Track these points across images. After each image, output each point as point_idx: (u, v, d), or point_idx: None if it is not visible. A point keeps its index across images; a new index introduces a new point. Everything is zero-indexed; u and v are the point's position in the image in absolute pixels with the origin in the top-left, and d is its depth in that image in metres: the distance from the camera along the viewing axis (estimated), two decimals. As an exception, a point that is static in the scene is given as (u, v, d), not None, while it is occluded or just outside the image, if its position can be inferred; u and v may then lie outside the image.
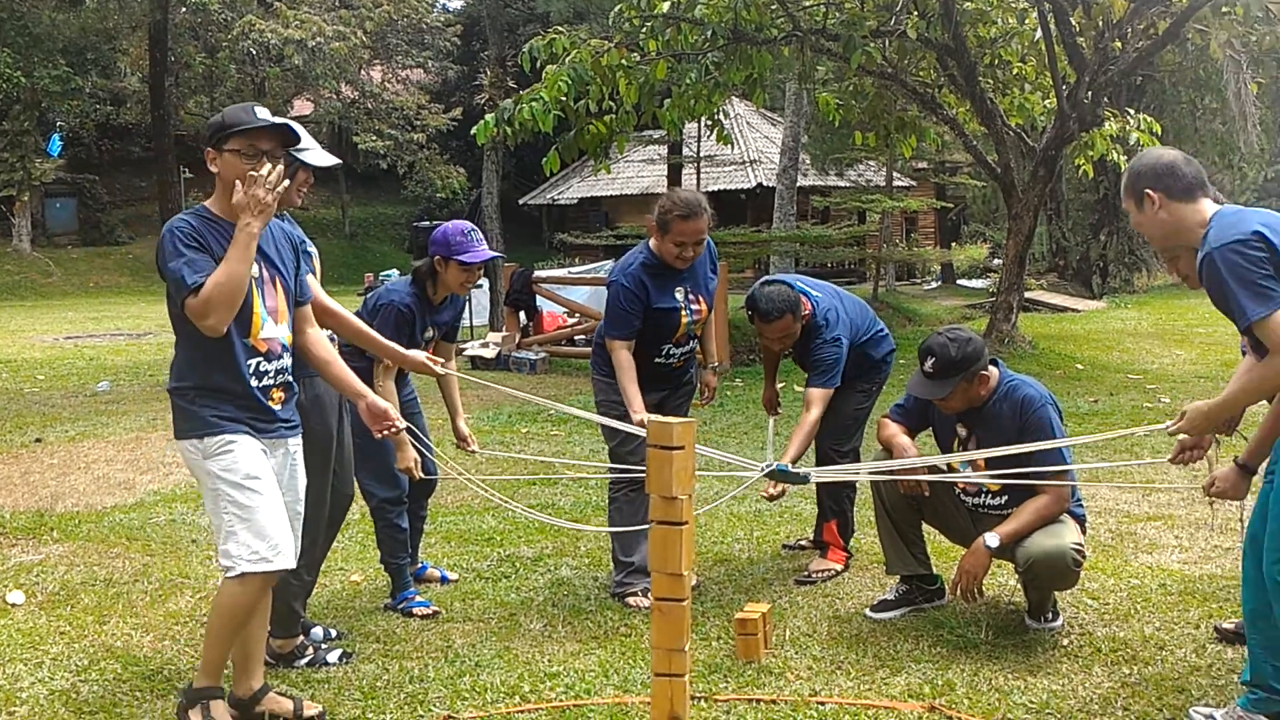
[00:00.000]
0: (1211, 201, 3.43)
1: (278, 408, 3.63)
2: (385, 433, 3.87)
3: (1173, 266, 3.72)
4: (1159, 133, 14.03)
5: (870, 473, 4.66)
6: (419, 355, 4.38)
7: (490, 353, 15.21)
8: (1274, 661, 3.23)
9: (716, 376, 5.36)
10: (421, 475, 4.73)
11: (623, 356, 4.90)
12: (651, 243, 4.95)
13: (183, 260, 3.38)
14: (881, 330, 5.45)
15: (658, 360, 5.02)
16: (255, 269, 3.53)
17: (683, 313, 4.97)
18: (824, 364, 5.07)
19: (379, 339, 4.29)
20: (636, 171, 29.98)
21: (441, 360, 4.55)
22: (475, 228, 4.89)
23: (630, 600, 4.89)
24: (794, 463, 4.79)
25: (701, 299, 5.05)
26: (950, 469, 4.51)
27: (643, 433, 4.55)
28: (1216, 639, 4.28)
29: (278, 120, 3.59)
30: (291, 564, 3.60)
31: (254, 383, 3.55)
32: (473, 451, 4.85)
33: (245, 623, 3.61)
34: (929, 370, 4.38)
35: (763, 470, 3.86)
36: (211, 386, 3.51)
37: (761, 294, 5.08)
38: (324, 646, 4.38)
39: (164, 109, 14.16)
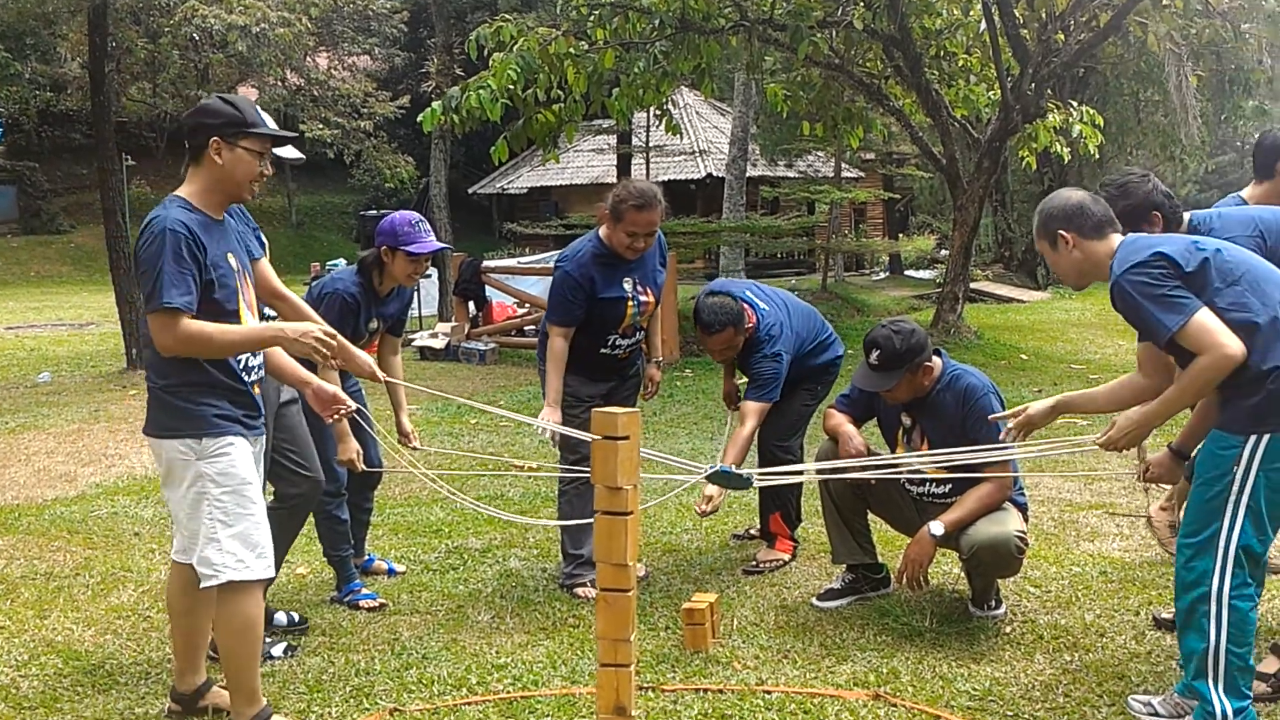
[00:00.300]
0: (1118, 235, 3.55)
1: (259, 402, 3.60)
2: (335, 417, 3.82)
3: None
4: (1101, 125, 14.23)
5: (815, 473, 4.69)
6: (367, 360, 4.33)
7: (439, 343, 15.12)
8: (1235, 648, 3.29)
9: (660, 371, 5.34)
10: (364, 468, 4.70)
11: (557, 344, 4.87)
12: (603, 231, 4.92)
13: (173, 270, 3.27)
14: (830, 337, 5.46)
15: (603, 351, 5.00)
16: (235, 263, 3.50)
17: (629, 303, 4.95)
18: (762, 378, 5.08)
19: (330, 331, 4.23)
20: (586, 161, 29.88)
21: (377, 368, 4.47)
22: (423, 218, 4.85)
23: (579, 591, 4.89)
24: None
25: (649, 290, 5.04)
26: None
27: (545, 431, 4.58)
28: (1155, 627, 4.35)
29: (290, 134, 3.68)
30: (274, 572, 3.55)
31: (245, 377, 3.52)
32: (414, 448, 4.81)
33: (261, 634, 3.50)
34: (874, 362, 4.41)
35: (706, 472, 3.86)
36: (209, 382, 3.41)
37: (705, 305, 5.10)
38: (268, 640, 4.34)
39: (105, 95, 13.88)
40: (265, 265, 3.88)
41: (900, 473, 4.47)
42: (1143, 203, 3.86)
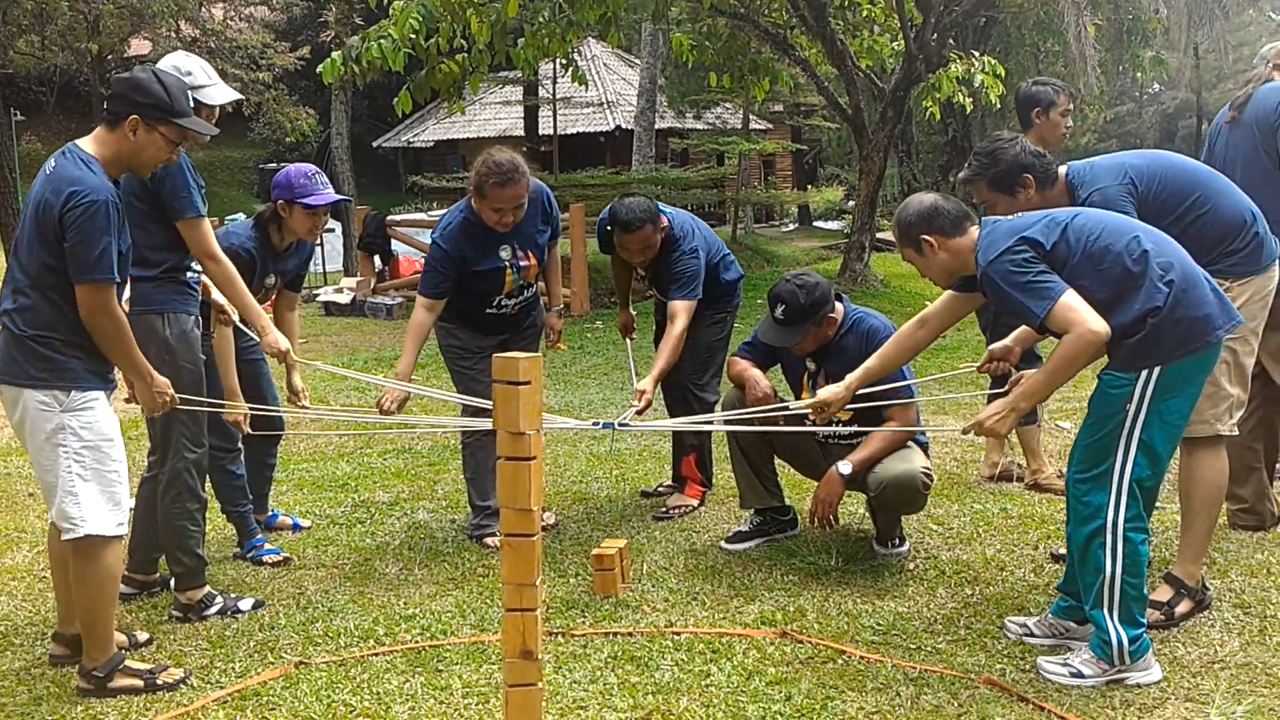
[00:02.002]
0: (975, 226, 3.62)
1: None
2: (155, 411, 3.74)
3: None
4: (1003, 75, 14.38)
5: (703, 422, 4.74)
6: (282, 341, 4.32)
7: (345, 298, 14.91)
8: (1130, 578, 3.39)
9: (561, 319, 5.29)
10: (250, 431, 4.63)
11: (419, 315, 4.79)
12: (473, 202, 4.79)
13: (111, 245, 3.34)
14: (729, 256, 5.49)
15: (489, 311, 4.93)
16: None
17: (508, 270, 4.85)
18: (684, 275, 5.08)
19: (252, 301, 4.22)
20: (494, 114, 29.47)
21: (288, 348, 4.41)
22: (319, 170, 4.74)
23: (488, 541, 4.86)
24: (661, 375, 4.88)
25: (531, 254, 4.91)
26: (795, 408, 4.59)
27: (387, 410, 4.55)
28: (1053, 560, 4.46)
29: (212, 130, 3.77)
30: (125, 530, 3.55)
31: None
32: (304, 407, 4.71)
33: (117, 585, 3.55)
34: (779, 317, 4.44)
35: (600, 427, 3.84)
36: (80, 341, 3.41)
37: (622, 205, 5.08)
38: (233, 595, 4.26)
39: (-12, 48, 13.51)
40: (197, 224, 3.95)
41: (808, 422, 4.50)
42: (1012, 166, 3.91)
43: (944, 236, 3.61)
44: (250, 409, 4.45)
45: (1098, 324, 3.27)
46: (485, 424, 2.76)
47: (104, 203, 3.33)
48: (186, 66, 4.11)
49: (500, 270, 4.84)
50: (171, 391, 3.66)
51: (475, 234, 4.79)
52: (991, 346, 4.21)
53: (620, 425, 3.91)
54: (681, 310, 5.03)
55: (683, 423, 5.04)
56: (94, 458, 3.41)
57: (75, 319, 3.38)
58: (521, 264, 4.89)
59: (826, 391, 4.06)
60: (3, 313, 3.46)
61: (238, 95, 4.31)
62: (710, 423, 4.95)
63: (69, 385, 3.38)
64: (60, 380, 3.37)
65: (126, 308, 3.69)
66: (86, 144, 3.48)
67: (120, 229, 3.41)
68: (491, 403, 2.54)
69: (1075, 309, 3.29)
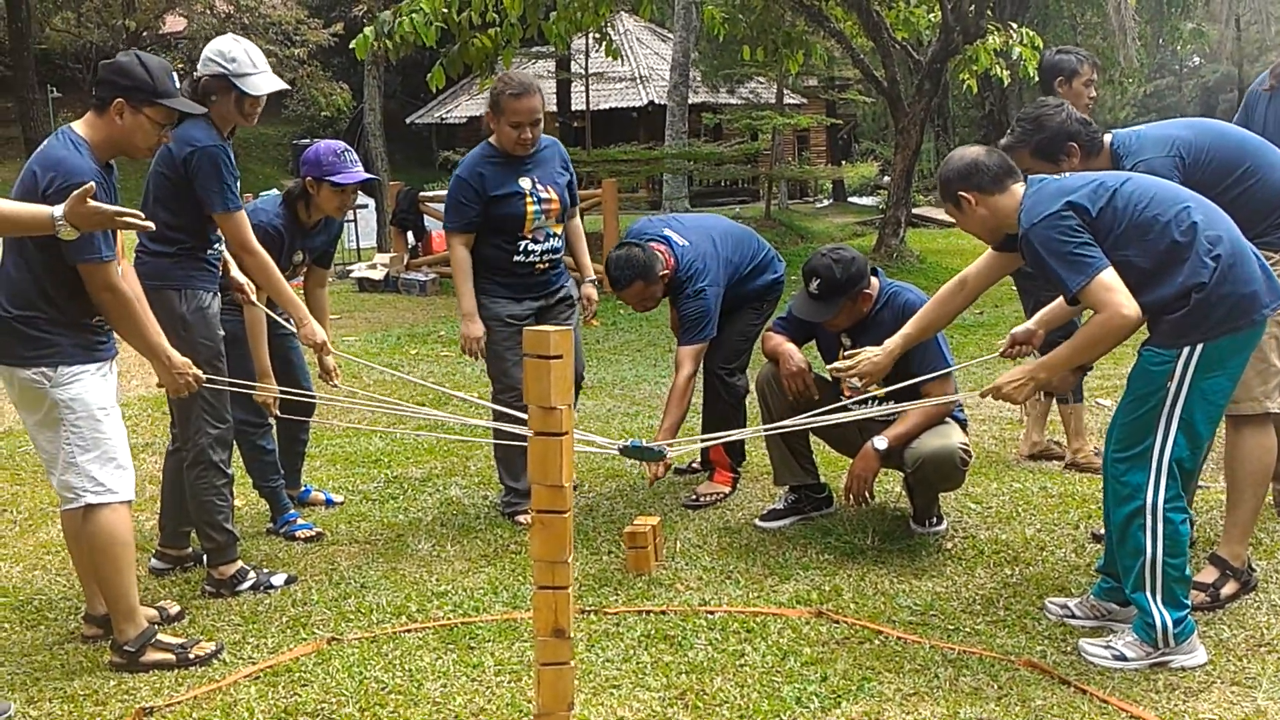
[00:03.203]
0: (1019, 184, 3.53)
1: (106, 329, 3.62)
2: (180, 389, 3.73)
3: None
4: (1041, 47, 14.16)
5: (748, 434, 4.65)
6: (319, 333, 4.39)
7: (378, 274, 14.92)
8: (1171, 559, 3.32)
9: (596, 290, 5.23)
10: (279, 414, 4.66)
11: (458, 253, 4.85)
12: (492, 138, 4.87)
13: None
14: (768, 257, 5.32)
15: (517, 259, 4.85)
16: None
17: (528, 199, 4.81)
18: (689, 319, 4.98)
19: (290, 293, 4.29)
20: (526, 89, 29.40)
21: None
22: (349, 147, 4.71)
23: (520, 519, 4.83)
24: (672, 430, 4.80)
25: (551, 189, 4.90)
26: (839, 385, 4.52)
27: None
28: (1094, 540, 4.38)
29: (198, 108, 3.75)
30: (133, 495, 3.54)
31: (99, 322, 3.55)
32: (335, 385, 4.68)
33: (131, 552, 3.54)
34: (814, 292, 4.38)
35: (619, 447, 3.69)
36: (64, 320, 3.44)
37: (612, 258, 5.00)
38: (265, 570, 4.25)
39: (22, 24, 13.33)
40: (228, 218, 3.97)
41: (845, 396, 4.43)
42: (1058, 133, 3.81)
43: (982, 193, 3.52)
44: (281, 393, 4.43)
45: (1130, 308, 3.21)
46: (520, 430, 2.72)
47: (86, 183, 3.29)
48: (232, 53, 4.00)
49: (520, 197, 4.80)
50: (195, 371, 3.67)
51: (495, 164, 4.84)
52: (1014, 330, 4.10)
53: (635, 445, 3.73)
54: (686, 358, 4.93)
55: (714, 439, 4.94)
56: (89, 428, 3.43)
57: (58, 296, 3.40)
58: (542, 195, 4.86)
59: (866, 359, 4.05)
60: None
61: (284, 85, 4.21)
62: (741, 430, 4.89)
63: (56, 361, 3.40)
64: (47, 357, 3.40)
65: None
66: (79, 127, 3.50)
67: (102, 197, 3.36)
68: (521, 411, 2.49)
69: (1112, 289, 3.22)
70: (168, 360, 3.61)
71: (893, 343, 4.02)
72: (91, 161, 3.39)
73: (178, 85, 3.60)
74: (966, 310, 4.39)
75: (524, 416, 2.58)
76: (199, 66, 4.05)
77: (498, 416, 4.32)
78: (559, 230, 4.99)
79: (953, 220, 3.80)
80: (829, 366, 4.33)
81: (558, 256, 5.02)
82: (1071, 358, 3.44)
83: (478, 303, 4.87)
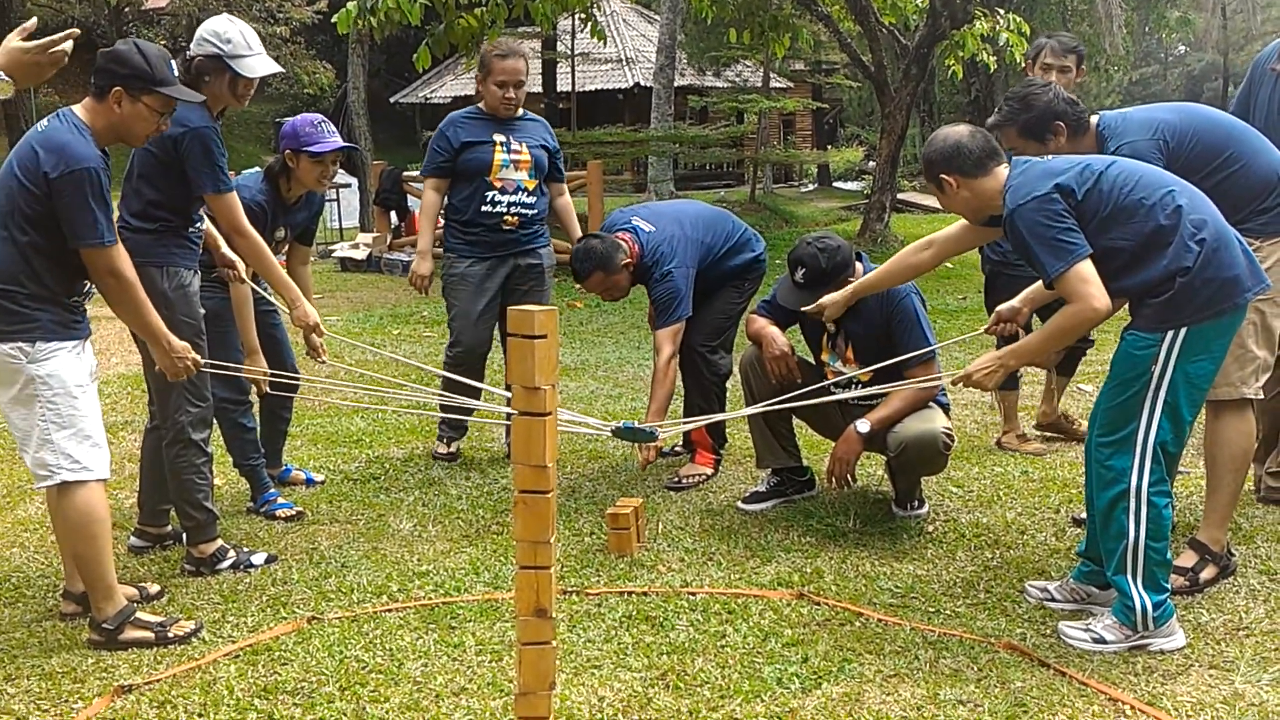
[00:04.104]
0: (1003, 166, 3.53)
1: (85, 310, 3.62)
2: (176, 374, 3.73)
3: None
4: (1028, 33, 14.16)
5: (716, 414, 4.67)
6: (313, 315, 4.38)
7: (361, 254, 14.86)
8: (1154, 543, 3.33)
9: None
10: (268, 390, 4.67)
11: (428, 195, 5.33)
12: (481, 103, 5.28)
13: (100, 208, 3.37)
14: (744, 236, 5.27)
15: (485, 209, 5.16)
16: None
17: (497, 148, 5.16)
18: (661, 303, 4.96)
19: (283, 274, 4.32)
20: (511, 70, 29.26)
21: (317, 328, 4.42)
22: (325, 119, 4.70)
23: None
24: (659, 413, 4.81)
25: (525, 147, 5.22)
26: (822, 368, 4.52)
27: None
28: (1074, 525, 4.40)
29: (197, 96, 3.69)
30: (108, 473, 3.53)
31: (82, 288, 3.55)
32: (322, 362, 4.65)
33: (108, 530, 3.52)
34: (799, 280, 4.39)
35: (611, 428, 3.68)
36: (45, 295, 3.42)
37: (575, 250, 4.99)
38: (245, 549, 4.23)
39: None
40: (218, 199, 3.96)
41: (831, 390, 4.43)
42: (1044, 112, 3.81)
43: (965, 176, 3.51)
44: (269, 375, 4.43)
45: (1101, 302, 3.23)
46: (497, 407, 2.81)
47: (94, 170, 3.35)
48: (227, 34, 3.95)
49: (488, 145, 5.18)
50: (194, 355, 3.67)
51: (475, 119, 5.27)
52: (999, 308, 4.13)
53: (627, 426, 3.73)
54: (664, 340, 4.91)
55: (691, 421, 4.93)
56: (65, 404, 3.42)
57: (40, 271, 3.38)
58: (513, 147, 5.20)
59: (828, 299, 4.29)
60: None
61: (278, 68, 4.18)
62: (724, 413, 4.94)
63: (34, 337, 3.38)
64: (25, 332, 3.38)
65: None
66: (80, 111, 3.48)
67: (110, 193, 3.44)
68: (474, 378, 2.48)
69: (1087, 280, 3.23)
70: (167, 344, 3.60)
71: (853, 286, 4.25)
72: (94, 148, 3.39)
73: (175, 72, 3.58)
74: (951, 297, 4.39)
75: (449, 375, 2.56)
76: (193, 46, 4.00)
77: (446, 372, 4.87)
78: (532, 187, 5.22)
79: (938, 206, 3.81)
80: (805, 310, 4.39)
81: (530, 214, 5.21)
82: (1042, 346, 3.49)
83: (447, 259, 5.27)
